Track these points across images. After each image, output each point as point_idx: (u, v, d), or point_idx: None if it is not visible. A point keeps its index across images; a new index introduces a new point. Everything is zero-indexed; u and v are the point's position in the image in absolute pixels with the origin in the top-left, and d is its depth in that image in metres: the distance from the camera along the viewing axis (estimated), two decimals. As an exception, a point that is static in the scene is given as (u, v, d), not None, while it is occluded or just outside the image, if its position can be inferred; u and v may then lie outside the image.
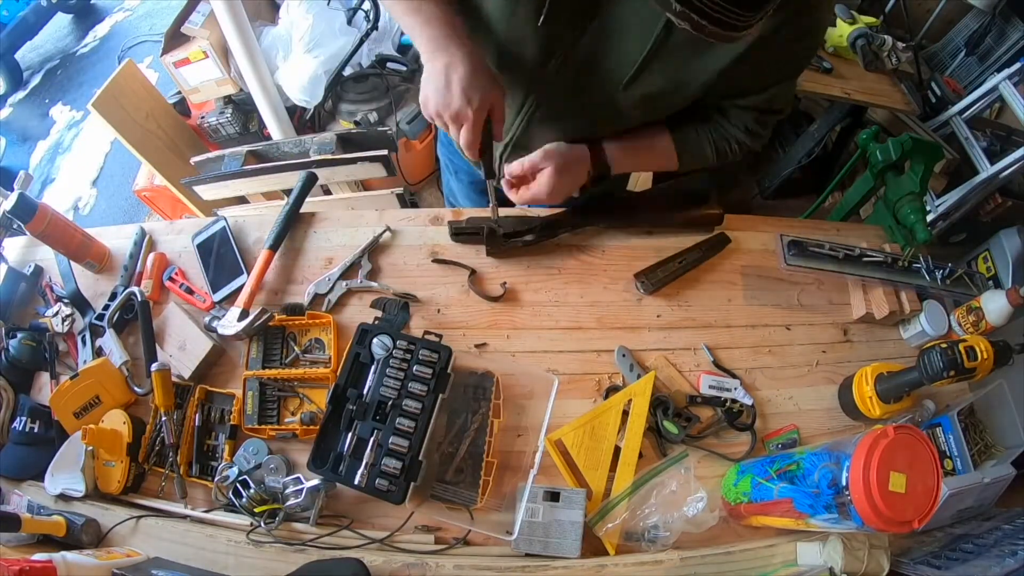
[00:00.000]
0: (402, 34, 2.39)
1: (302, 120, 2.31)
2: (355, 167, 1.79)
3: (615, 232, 1.13)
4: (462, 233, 1.09)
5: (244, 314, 1.00)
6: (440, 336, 0.94)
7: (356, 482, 0.84)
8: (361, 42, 2.21)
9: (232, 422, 0.97)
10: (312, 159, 1.84)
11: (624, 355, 1.01)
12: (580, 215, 1.10)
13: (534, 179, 0.93)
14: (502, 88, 0.81)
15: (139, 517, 0.90)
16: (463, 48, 0.78)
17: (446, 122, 0.81)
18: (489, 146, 0.86)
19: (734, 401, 0.98)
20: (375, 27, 2.21)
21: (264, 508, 0.87)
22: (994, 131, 2.27)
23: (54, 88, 3.71)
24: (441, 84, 0.78)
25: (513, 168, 0.92)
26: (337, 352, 1.01)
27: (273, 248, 1.08)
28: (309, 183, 1.18)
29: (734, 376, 1.01)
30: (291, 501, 0.87)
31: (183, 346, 1.02)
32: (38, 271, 1.16)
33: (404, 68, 2.28)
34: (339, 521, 0.88)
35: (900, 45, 2.10)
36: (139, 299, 1.04)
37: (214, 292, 1.08)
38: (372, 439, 0.87)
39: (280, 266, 1.10)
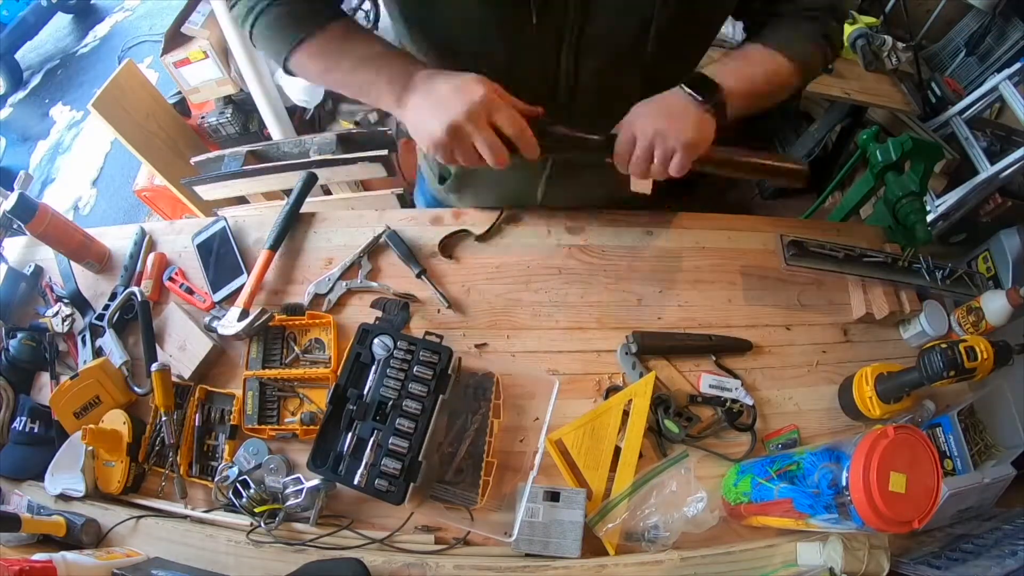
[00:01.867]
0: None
1: (302, 120, 2.31)
2: (355, 167, 1.79)
3: (615, 232, 1.13)
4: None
5: (244, 314, 1.00)
6: (441, 337, 0.94)
7: (356, 482, 0.84)
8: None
9: (232, 422, 0.97)
10: (312, 159, 1.84)
11: (628, 352, 1.00)
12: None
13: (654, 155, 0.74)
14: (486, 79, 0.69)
15: (139, 517, 0.89)
16: (425, 69, 0.70)
17: (462, 148, 0.68)
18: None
19: (734, 401, 0.98)
20: (375, 27, 2.20)
21: (264, 508, 0.87)
22: (994, 131, 2.27)
23: (54, 88, 3.72)
24: (427, 115, 0.67)
25: (622, 151, 0.73)
26: (337, 352, 1.01)
27: (273, 248, 1.08)
28: (309, 183, 1.18)
29: (735, 376, 1.01)
30: (291, 501, 0.87)
31: (183, 346, 1.02)
32: (38, 271, 1.16)
33: (404, 68, 2.27)
34: (339, 521, 0.88)
35: (900, 45, 2.10)
36: (139, 299, 1.04)
37: (214, 292, 1.08)
38: (372, 439, 0.87)
39: (280, 266, 1.10)
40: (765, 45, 0.82)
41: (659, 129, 0.72)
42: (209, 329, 1.02)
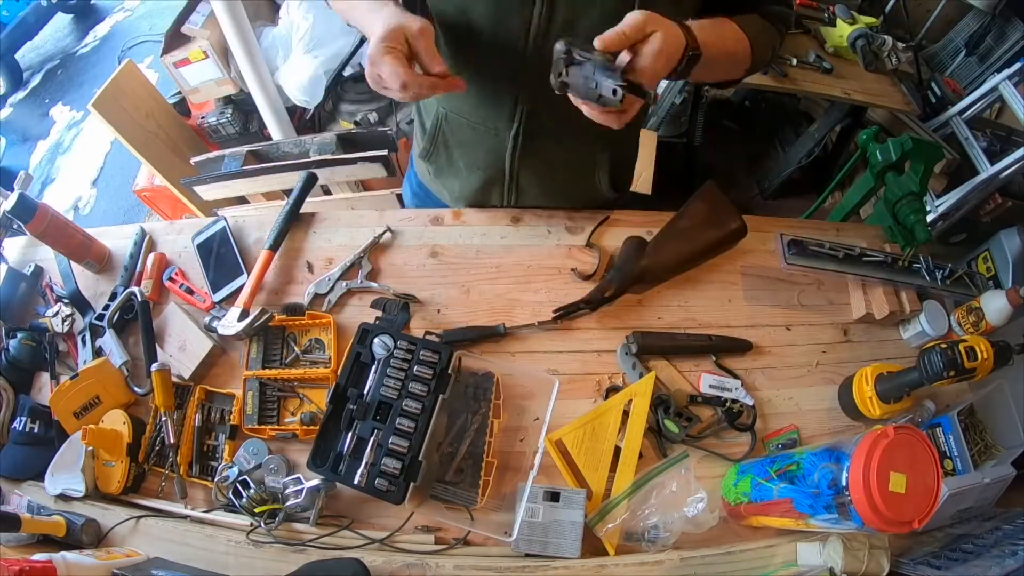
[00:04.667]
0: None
1: (302, 120, 2.32)
2: (355, 167, 1.79)
3: (615, 232, 1.13)
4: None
5: (244, 314, 1.00)
6: (441, 336, 0.94)
7: (356, 482, 0.84)
8: (361, 42, 2.21)
9: (232, 422, 0.97)
10: (312, 159, 1.84)
11: (628, 352, 1.00)
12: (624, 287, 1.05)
13: (634, 51, 0.71)
14: (404, 22, 0.76)
15: (139, 517, 0.89)
16: (375, 21, 0.78)
17: (384, 81, 0.76)
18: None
19: (734, 401, 0.98)
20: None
21: (264, 508, 0.87)
22: (994, 131, 2.27)
23: (54, 88, 3.72)
24: (369, 44, 0.77)
25: (610, 39, 0.70)
26: (337, 352, 1.01)
27: (273, 248, 1.08)
28: (309, 183, 1.18)
29: (735, 376, 1.01)
30: (291, 501, 0.87)
31: (183, 346, 1.02)
32: (38, 271, 1.16)
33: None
34: (339, 521, 0.88)
35: (900, 45, 2.10)
36: (139, 299, 1.04)
37: (214, 292, 1.08)
38: (372, 439, 0.87)
39: (280, 266, 1.10)
40: (738, 24, 0.84)
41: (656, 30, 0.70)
42: (209, 329, 1.02)
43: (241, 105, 2.34)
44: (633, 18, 0.69)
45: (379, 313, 1.04)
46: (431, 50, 0.77)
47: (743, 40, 0.84)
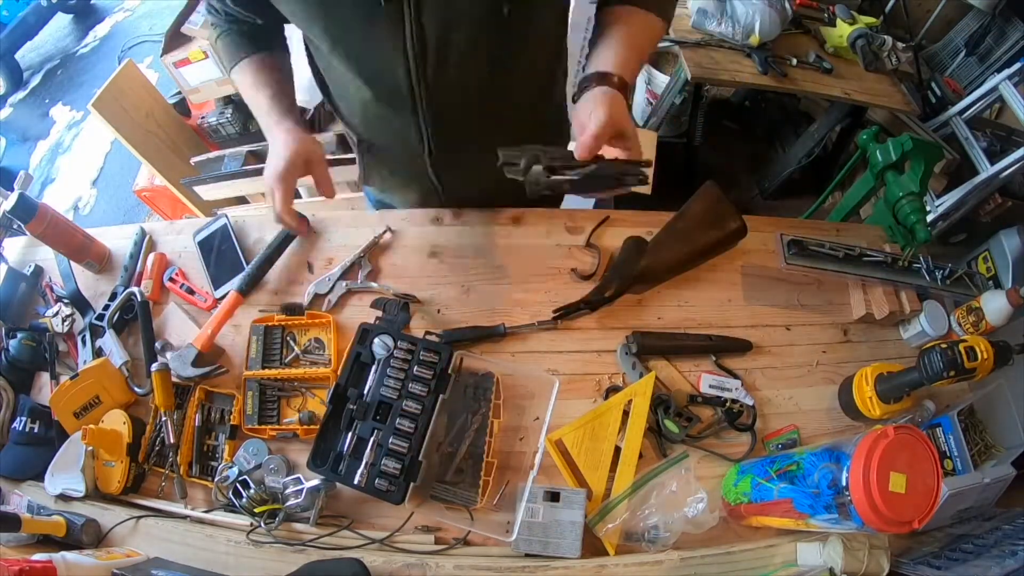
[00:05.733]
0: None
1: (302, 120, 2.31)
2: (355, 167, 1.79)
3: (615, 232, 1.13)
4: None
5: (199, 358, 0.97)
6: (441, 336, 0.94)
7: (356, 482, 0.84)
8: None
9: (232, 422, 0.97)
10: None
11: (628, 352, 1.00)
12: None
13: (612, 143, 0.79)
14: (309, 149, 0.93)
15: (139, 517, 0.90)
16: (279, 129, 0.92)
17: (271, 199, 0.92)
18: None
19: (734, 401, 0.98)
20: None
21: (264, 508, 0.87)
22: (994, 131, 2.27)
23: (54, 88, 3.72)
24: (268, 166, 0.91)
25: (590, 148, 0.75)
26: (337, 352, 1.01)
27: (242, 292, 1.03)
28: (287, 240, 1.11)
29: (735, 376, 1.01)
30: (291, 501, 0.87)
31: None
32: (38, 271, 1.16)
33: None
34: (339, 521, 0.88)
35: (900, 45, 2.10)
36: (139, 299, 1.04)
37: (216, 288, 1.08)
38: (372, 439, 0.87)
39: (280, 266, 1.10)
40: (643, 7, 0.88)
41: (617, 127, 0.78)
42: (160, 356, 1.00)
43: (241, 105, 2.34)
44: (594, 124, 0.75)
45: (379, 313, 1.04)
46: (326, 177, 0.97)
47: (645, 23, 0.88)
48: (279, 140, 0.91)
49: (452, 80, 0.84)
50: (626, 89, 0.82)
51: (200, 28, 2.08)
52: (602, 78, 0.80)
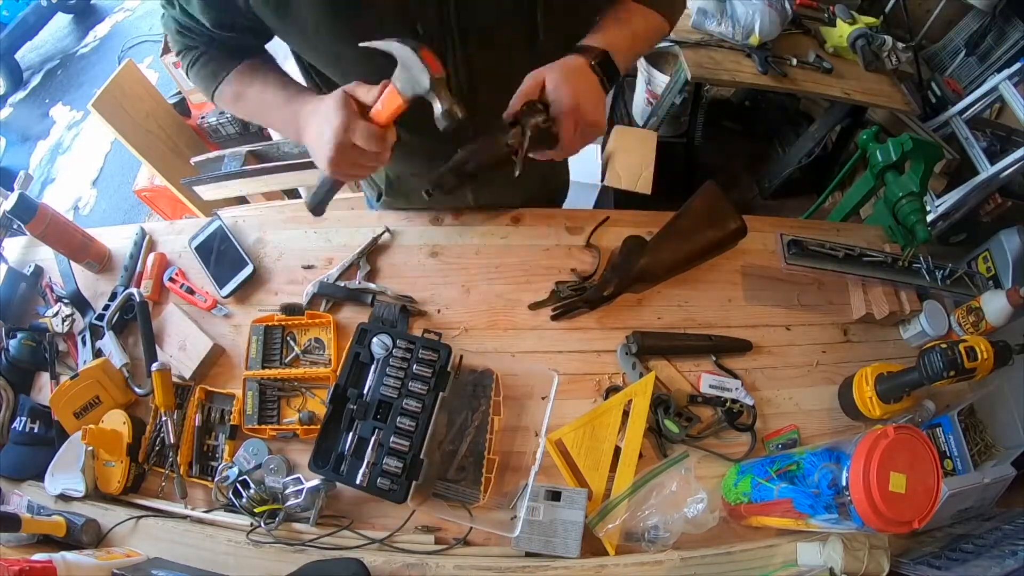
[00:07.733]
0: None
1: (302, 120, 2.31)
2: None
3: (615, 232, 1.13)
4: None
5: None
6: (440, 335, 0.94)
7: (358, 482, 0.84)
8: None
9: (232, 422, 0.97)
10: (312, 159, 1.83)
11: (628, 352, 1.00)
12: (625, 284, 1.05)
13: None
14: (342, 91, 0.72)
15: (139, 517, 0.89)
16: (306, 104, 0.77)
17: (351, 171, 0.76)
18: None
19: (735, 401, 0.98)
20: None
21: (264, 508, 0.87)
22: (994, 131, 2.27)
23: (54, 88, 3.72)
24: (316, 152, 0.75)
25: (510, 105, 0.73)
26: (337, 352, 1.01)
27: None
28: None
29: (735, 376, 1.01)
30: (291, 501, 0.87)
31: (183, 346, 1.02)
32: (38, 271, 1.16)
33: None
34: (339, 521, 0.88)
35: (900, 45, 2.10)
36: (138, 300, 1.04)
37: (221, 287, 1.08)
38: (373, 438, 0.87)
39: (281, 266, 1.10)
40: (649, 5, 0.86)
41: (582, 111, 0.73)
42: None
43: (241, 105, 2.35)
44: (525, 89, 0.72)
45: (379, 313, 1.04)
46: (375, 94, 0.71)
47: (645, 16, 0.86)
48: (311, 108, 0.76)
49: (487, 105, 0.77)
50: (608, 66, 0.76)
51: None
52: (579, 50, 0.77)
